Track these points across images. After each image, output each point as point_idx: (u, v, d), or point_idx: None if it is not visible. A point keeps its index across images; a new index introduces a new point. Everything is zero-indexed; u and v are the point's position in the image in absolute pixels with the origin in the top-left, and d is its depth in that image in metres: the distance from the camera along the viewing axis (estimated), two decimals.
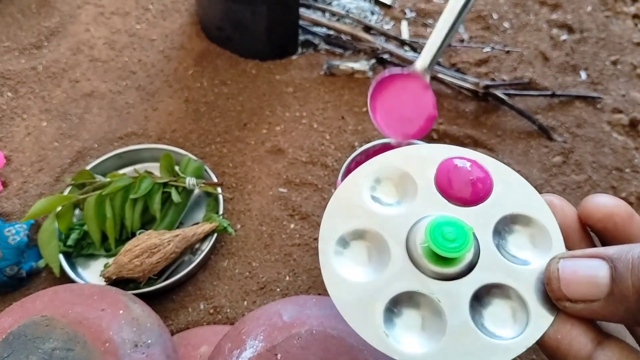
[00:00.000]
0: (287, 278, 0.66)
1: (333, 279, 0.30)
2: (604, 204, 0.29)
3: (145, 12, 0.94)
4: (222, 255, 0.68)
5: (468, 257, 0.29)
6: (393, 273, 0.29)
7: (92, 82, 0.84)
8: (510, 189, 0.32)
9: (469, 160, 0.32)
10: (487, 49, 0.92)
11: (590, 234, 0.31)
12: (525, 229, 0.31)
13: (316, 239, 0.69)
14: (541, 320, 0.28)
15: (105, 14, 0.93)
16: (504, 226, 0.31)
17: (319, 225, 0.69)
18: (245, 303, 0.64)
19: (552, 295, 0.27)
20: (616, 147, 0.81)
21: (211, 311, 0.63)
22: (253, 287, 0.65)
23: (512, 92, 0.85)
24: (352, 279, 0.30)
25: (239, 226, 0.70)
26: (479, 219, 0.31)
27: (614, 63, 0.92)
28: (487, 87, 0.83)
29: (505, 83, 0.86)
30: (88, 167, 0.70)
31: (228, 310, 0.63)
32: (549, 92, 0.86)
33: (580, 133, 0.82)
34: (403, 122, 0.62)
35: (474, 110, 0.84)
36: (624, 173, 0.78)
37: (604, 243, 0.30)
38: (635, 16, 1.00)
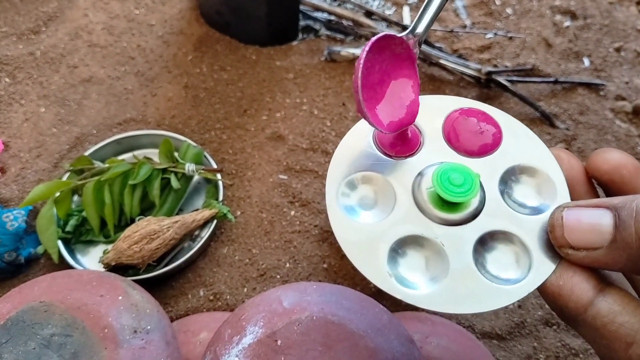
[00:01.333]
0: (288, 265, 0.66)
1: (339, 220, 0.30)
2: (612, 157, 0.29)
3: None
4: (221, 242, 0.67)
5: (473, 203, 0.29)
6: (398, 217, 0.30)
7: (91, 67, 0.83)
8: (519, 141, 0.32)
9: (478, 112, 0.32)
10: (490, 35, 0.91)
11: (596, 188, 0.31)
12: (532, 179, 0.31)
13: (316, 226, 0.68)
14: (544, 267, 0.28)
15: None
16: (511, 176, 0.31)
17: (319, 212, 0.69)
18: (245, 290, 0.64)
19: (555, 243, 0.28)
20: (619, 134, 0.80)
21: (211, 298, 0.63)
22: (253, 274, 0.65)
23: (514, 78, 0.84)
24: (358, 221, 0.30)
25: (238, 213, 0.69)
26: (486, 168, 0.31)
27: (618, 50, 0.91)
28: (489, 73, 0.82)
29: (507, 69, 0.85)
30: (87, 153, 0.69)
31: (228, 296, 0.63)
32: (551, 79, 0.85)
33: (583, 120, 0.81)
34: (384, 107, 0.35)
35: (476, 97, 0.83)
36: None
37: (610, 196, 0.30)
38: (639, 3, 0.99)
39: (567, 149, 0.78)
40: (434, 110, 0.33)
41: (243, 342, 0.43)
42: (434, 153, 0.32)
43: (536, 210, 0.30)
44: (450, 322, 0.58)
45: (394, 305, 0.63)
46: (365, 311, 0.46)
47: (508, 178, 0.31)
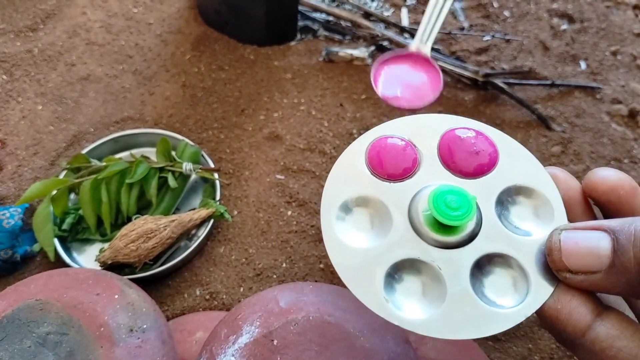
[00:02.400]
0: (284, 265, 0.66)
1: (334, 244, 0.29)
2: (609, 177, 0.29)
3: None
4: (218, 242, 0.67)
5: (470, 226, 0.29)
6: (394, 240, 0.29)
7: (89, 65, 0.83)
8: (515, 161, 0.32)
9: (473, 131, 0.32)
10: (487, 38, 0.91)
11: (593, 207, 0.31)
12: (528, 200, 0.31)
13: (313, 226, 0.68)
14: (541, 291, 0.28)
15: None
16: (507, 197, 0.31)
17: (316, 212, 0.69)
18: (242, 289, 0.64)
19: (552, 266, 0.27)
20: (615, 137, 0.80)
21: (207, 297, 0.63)
22: (249, 274, 0.65)
23: (511, 81, 0.84)
24: (354, 245, 0.30)
25: (235, 212, 0.70)
26: (482, 189, 0.31)
27: (614, 53, 0.91)
28: (486, 75, 0.83)
29: (505, 72, 0.86)
30: (84, 151, 0.69)
31: (224, 296, 0.63)
32: (548, 82, 0.85)
33: (579, 123, 0.82)
34: (407, 92, 0.65)
35: (474, 99, 0.83)
36: (622, 163, 0.78)
37: (607, 217, 0.29)
38: (635, 7, 0.99)
39: (563, 151, 0.78)
40: (429, 130, 0.33)
41: (239, 342, 0.43)
42: (429, 174, 0.31)
43: (533, 232, 0.30)
44: None
45: None
46: (361, 311, 0.46)
47: (505, 199, 0.31)
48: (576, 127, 0.81)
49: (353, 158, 0.32)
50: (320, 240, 0.67)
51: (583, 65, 0.89)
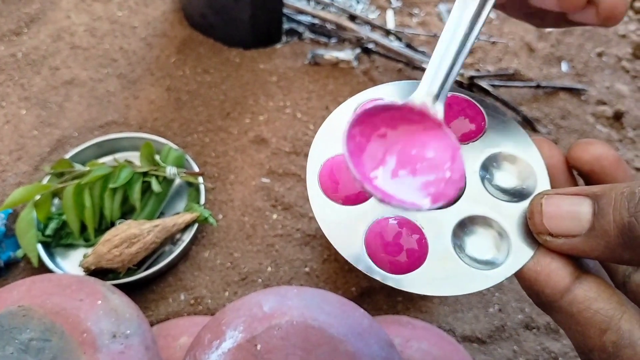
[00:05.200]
0: (269, 269, 0.65)
1: (318, 200, 0.30)
2: (594, 147, 0.29)
3: None
4: (203, 246, 0.67)
5: None
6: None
7: (73, 69, 0.83)
8: (502, 130, 0.32)
9: (462, 100, 0.33)
10: None
11: (576, 177, 0.31)
12: (513, 167, 0.31)
13: (299, 230, 0.68)
14: (521, 253, 0.28)
15: (87, 0, 0.91)
16: (492, 162, 0.31)
17: (301, 215, 0.69)
18: (227, 294, 0.64)
19: (533, 229, 0.28)
20: (600, 138, 0.81)
21: (192, 302, 0.63)
22: (234, 278, 0.65)
23: (497, 83, 0.85)
24: (338, 202, 0.30)
25: (220, 216, 0.69)
26: (468, 155, 0.31)
27: (599, 55, 0.92)
28: (472, 77, 0.83)
29: (490, 74, 0.86)
30: (67, 156, 0.69)
31: (209, 301, 0.63)
32: (533, 84, 0.85)
33: (564, 124, 0.82)
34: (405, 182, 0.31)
35: None
36: None
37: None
38: None
39: None
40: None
41: (223, 347, 0.43)
42: None
43: (516, 197, 0.30)
44: (431, 326, 0.58)
45: (375, 309, 0.63)
46: (345, 315, 0.46)
47: (490, 165, 0.31)
48: (561, 129, 0.82)
49: (341, 119, 0.32)
50: (306, 243, 0.67)
51: (568, 66, 0.90)
